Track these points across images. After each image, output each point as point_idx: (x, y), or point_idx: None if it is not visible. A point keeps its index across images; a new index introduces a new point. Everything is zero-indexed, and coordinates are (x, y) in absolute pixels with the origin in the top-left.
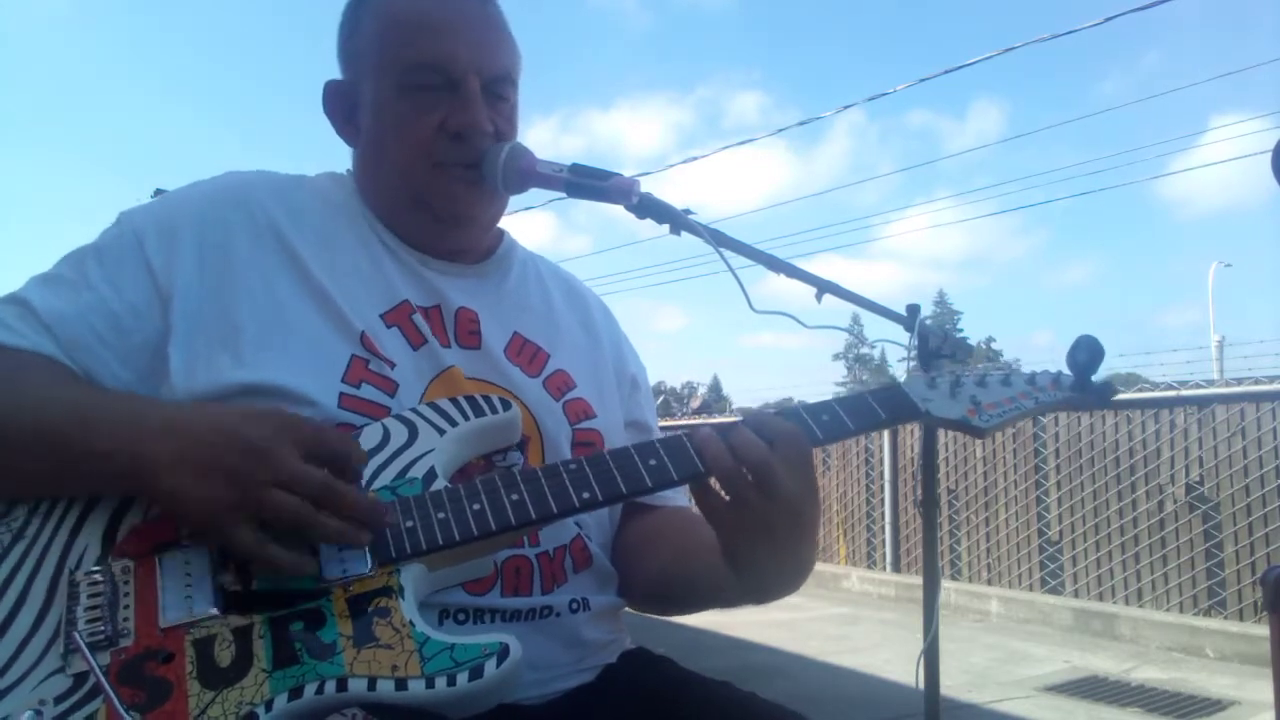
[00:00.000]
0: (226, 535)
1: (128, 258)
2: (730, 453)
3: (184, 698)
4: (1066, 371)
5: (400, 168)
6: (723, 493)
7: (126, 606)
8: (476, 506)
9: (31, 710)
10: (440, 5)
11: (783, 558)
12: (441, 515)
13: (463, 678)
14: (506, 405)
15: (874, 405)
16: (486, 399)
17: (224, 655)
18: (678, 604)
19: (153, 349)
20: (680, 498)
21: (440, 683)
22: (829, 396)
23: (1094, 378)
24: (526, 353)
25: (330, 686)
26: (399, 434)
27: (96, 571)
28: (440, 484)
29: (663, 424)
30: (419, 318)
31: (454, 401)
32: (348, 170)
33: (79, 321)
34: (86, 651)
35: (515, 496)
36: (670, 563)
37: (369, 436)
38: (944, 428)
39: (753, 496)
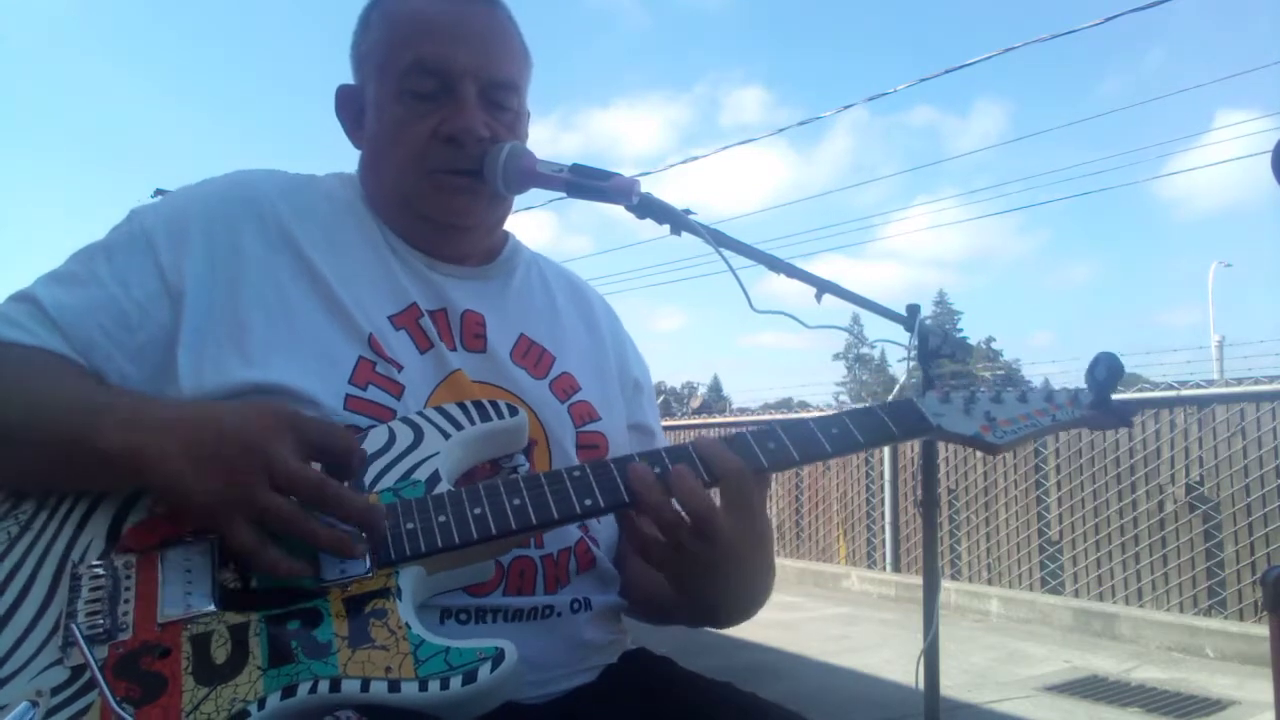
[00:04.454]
0: (224, 531)
1: (137, 255)
2: (666, 499)
3: (178, 693)
4: (1085, 388)
5: (395, 173)
6: (658, 534)
7: (127, 601)
8: (478, 510)
9: (28, 700)
10: (444, 10)
11: (732, 592)
12: (442, 518)
13: (456, 681)
14: (514, 411)
15: (886, 420)
16: (494, 404)
17: (220, 652)
18: (654, 615)
19: (162, 347)
20: None
21: (433, 686)
22: (829, 396)
23: (1113, 396)
24: (532, 355)
25: (324, 686)
26: (404, 437)
27: (99, 565)
28: (444, 487)
29: (663, 424)
30: (426, 321)
31: (461, 406)
32: (356, 172)
33: (87, 318)
34: (83, 644)
35: (517, 501)
36: (642, 573)
37: (374, 439)
38: (957, 444)
39: (689, 541)
